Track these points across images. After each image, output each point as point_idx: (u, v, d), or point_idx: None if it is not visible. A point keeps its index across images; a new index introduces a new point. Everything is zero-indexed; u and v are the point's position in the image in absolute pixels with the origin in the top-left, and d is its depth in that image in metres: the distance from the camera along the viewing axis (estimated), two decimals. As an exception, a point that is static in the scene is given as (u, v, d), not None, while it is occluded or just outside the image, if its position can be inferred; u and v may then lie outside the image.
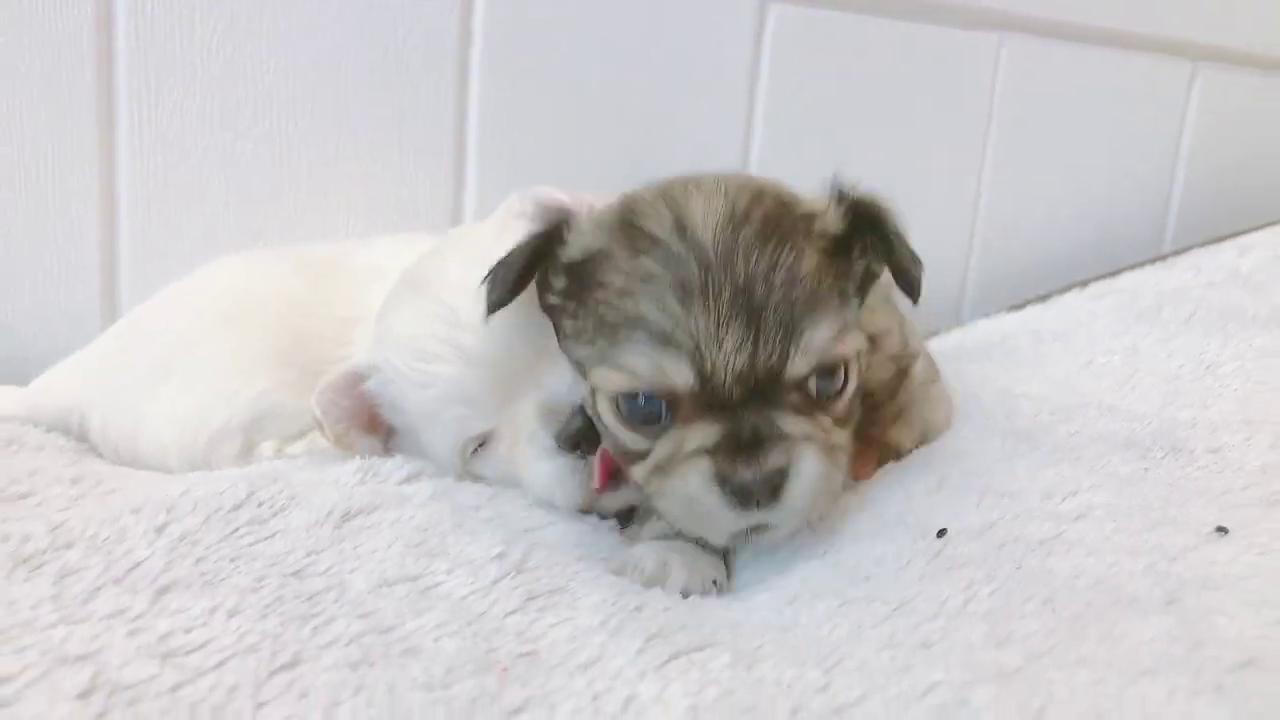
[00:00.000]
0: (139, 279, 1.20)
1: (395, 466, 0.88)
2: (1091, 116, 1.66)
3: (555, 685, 0.59)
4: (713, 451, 0.70)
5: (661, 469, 0.73)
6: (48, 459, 0.94)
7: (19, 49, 1.12)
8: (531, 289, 0.81)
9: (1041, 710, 0.55)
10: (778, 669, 0.61)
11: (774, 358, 0.70)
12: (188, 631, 0.61)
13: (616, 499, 0.87)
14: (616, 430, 0.76)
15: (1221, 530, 0.77)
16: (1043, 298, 1.50)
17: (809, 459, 0.71)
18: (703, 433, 0.71)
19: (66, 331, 1.18)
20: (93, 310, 1.20)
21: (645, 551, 0.79)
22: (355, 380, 0.92)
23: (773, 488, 0.70)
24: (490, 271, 0.79)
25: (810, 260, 0.72)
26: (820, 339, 0.71)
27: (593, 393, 0.77)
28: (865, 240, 0.78)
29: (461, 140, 1.31)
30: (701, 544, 0.80)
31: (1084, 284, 1.49)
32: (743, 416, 0.70)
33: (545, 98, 1.33)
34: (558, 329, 0.82)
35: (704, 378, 0.70)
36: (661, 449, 0.73)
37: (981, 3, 1.53)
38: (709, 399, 0.71)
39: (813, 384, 0.73)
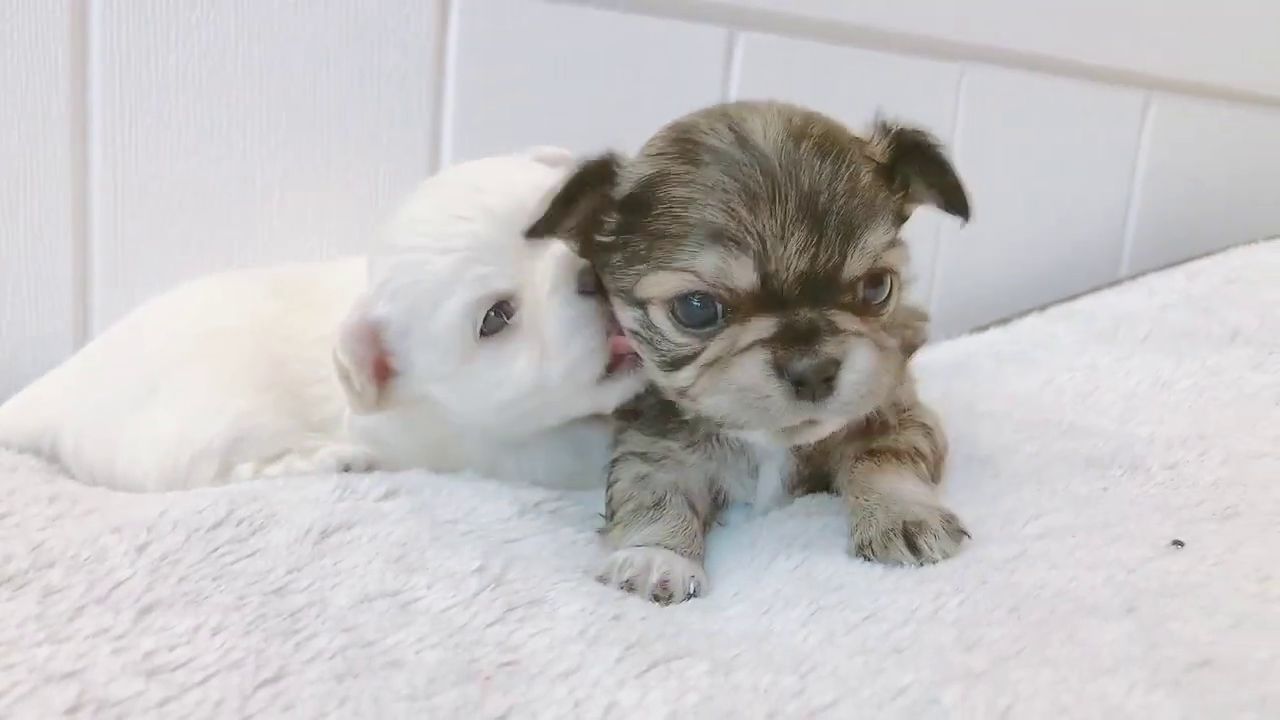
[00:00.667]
0: (111, 300, 1.20)
1: (373, 484, 0.89)
2: (1050, 144, 1.71)
3: (537, 694, 0.61)
4: (770, 342, 0.73)
5: (714, 365, 0.76)
6: (22, 479, 0.94)
7: (-6, 72, 1.13)
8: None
9: (1008, 708, 0.57)
10: (754, 675, 0.62)
11: (834, 258, 0.74)
12: (172, 649, 0.62)
13: (619, 388, 0.91)
14: (670, 334, 0.79)
15: (1177, 544, 0.80)
16: (1003, 321, 1.54)
17: (862, 351, 0.74)
18: (760, 326, 0.74)
19: (38, 353, 1.18)
20: (65, 332, 1.20)
21: (628, 554, 0.81)
22: (366, 315, 0.93)
23: (827, 377, 0.73)
24: (540, 202, 0.81)
25: (866, 175, 0.77)
26: (876, 242, 0.76)
27: (643, 308, 0.80)
28: (905, 174, 0.82)
29: (435, 163, 1.33)
30: (682, 550, 0.83)
31: (1043, 307, 1.54)
32: (799, 311, 0.74)
33: (517, 121, 1.35)
34: (604, 266, 0.84)
35: (766, 277, 0.74)
36: (715, 346, 0.76)
37: (944, 34, 1.57)
38: (767, 298, 0.74)
39: (862, 289, 0.77)
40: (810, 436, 0.80)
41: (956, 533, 0.80)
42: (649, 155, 0.81)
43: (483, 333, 0.91)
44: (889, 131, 0.82)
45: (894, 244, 0.78)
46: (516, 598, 0.72)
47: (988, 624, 0.67)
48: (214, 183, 1.23)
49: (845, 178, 0.75)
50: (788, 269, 0.73)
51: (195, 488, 0.96)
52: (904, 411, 0.93)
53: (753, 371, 0.74)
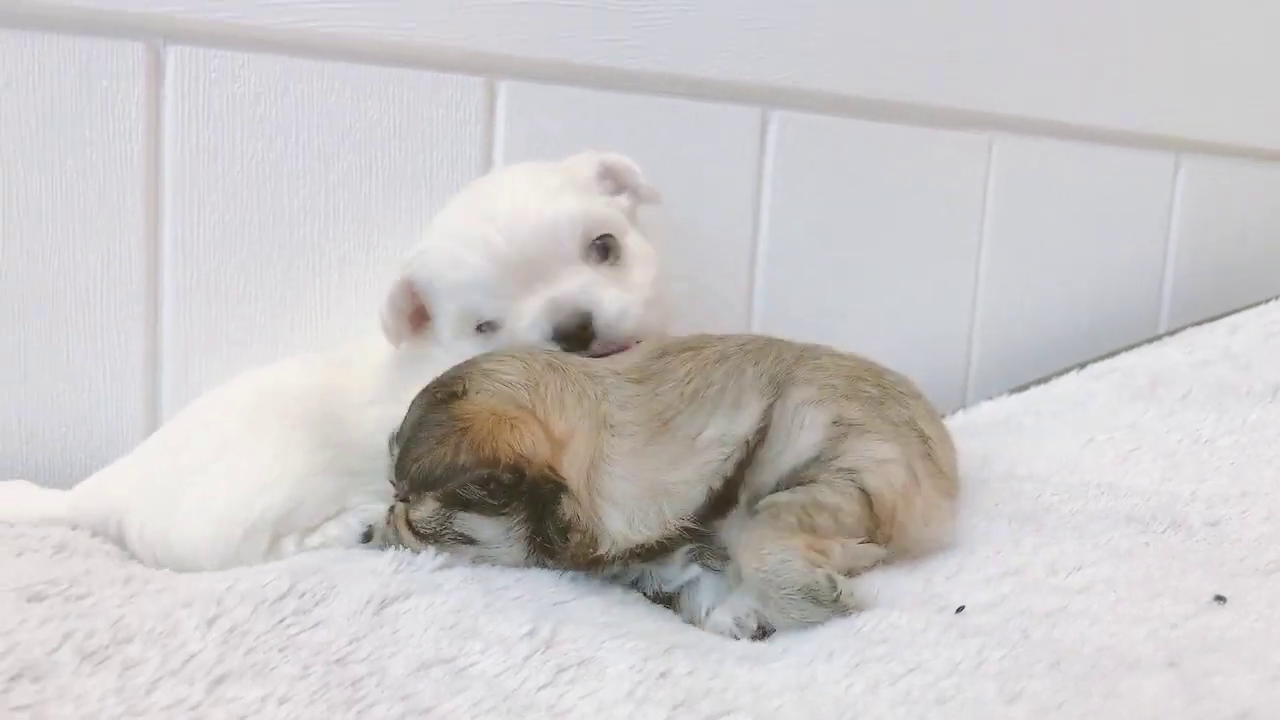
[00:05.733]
0: (181, 387, 1.26)
1: (428, 557, 0.92)
2: (1082, 208, 1.73)
3: (587, 758, 0.63)
4: None
5: None
6: (98, 562, 0.98)
7: (74, 170, 1.21)
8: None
9: (1048, 762, 0.58)
10: (797, 729, 0.64)
11: None
12: (242, 719, 0.65)
13: None
14: None
15: (1220, 599, 0.80)
16: (1043, 379, 1.54)
17: None
18: None
19: (111, 439, 1.24)
20: (136, 419, 1.26)
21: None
22: (404, 277, 1.09)
23: None
24: None
25: None
26: None
27: None
28: None
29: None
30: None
31: (1082, 365, 1.53)
32: None
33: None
34: None
35: None
36: None
37: (972, 105, 1.61)
38: None
39: None
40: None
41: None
42: None
43: (479, 328, 1.06)
44: None
45: None
46: (566, 659, 0.74)
47: (1030, 677, 0.68)
48: (278, 269, 1.30)
49: None
50: None
51: (246, 562, 1.00)
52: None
53: None
